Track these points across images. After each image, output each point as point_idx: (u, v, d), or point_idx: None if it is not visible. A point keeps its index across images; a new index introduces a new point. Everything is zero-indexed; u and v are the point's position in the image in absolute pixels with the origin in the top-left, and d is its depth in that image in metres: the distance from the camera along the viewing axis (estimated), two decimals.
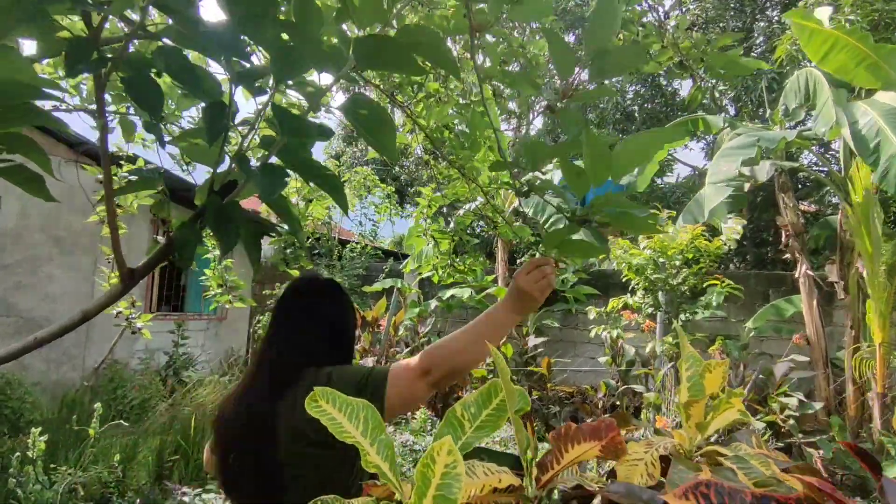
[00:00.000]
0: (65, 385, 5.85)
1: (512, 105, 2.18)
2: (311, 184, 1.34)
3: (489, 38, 1.75)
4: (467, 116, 1.97)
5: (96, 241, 4.90)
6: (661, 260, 4.58)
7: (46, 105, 1.44)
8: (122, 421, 3.58)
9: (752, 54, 10.12)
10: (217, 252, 3.13)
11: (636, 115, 12.16)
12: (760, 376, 5.41)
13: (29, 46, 1.11)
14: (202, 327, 8.12)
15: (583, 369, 6.96)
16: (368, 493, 0.84)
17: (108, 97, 1.31)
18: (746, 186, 6.68)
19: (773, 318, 7.39)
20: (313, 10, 1.05)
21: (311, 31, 1.07)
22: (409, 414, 5.67)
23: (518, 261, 10.38)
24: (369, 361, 6.58)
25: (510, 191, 8.12)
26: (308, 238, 9.53)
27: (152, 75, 1.00)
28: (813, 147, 6.44)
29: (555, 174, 8.65)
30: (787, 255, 7.35)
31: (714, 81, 10.02)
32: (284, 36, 1.03)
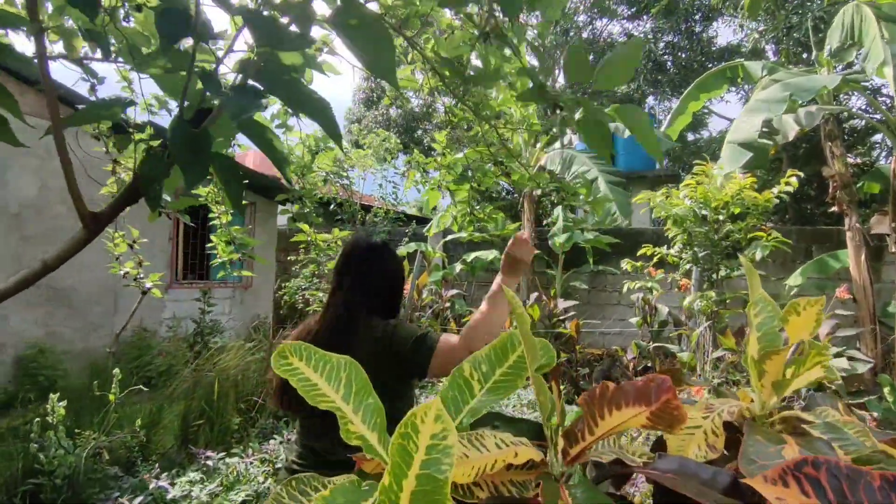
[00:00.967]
0: (94, 353, 5.93)
1: (531, 34, 1.94)
2: (303, 118, 1.16)
3: None
4: (483, 48, 1.74)
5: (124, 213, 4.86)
6: (703, 212, 4.28)
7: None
8: (141, 387, 3.56)
9: None
10: (226, 215, 3.00)
11: (668, 65, 11.53)
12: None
13: None
14: (227, 295, 8.17)
15: (612, 331, 6.77)
16: (360, 468, 0.68)
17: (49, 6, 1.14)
18: (791, 136, 6.25)
19: (816, 275, 7.01)
20: None
21: None
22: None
23: (544, 222, 10.10)
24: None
25: (534, 145, 7.74)
26: (331, 203, 9.42)
27: None
28: (865, 91, 5.93)
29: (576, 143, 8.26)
30: (835, 209, 6.92)
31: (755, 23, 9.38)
32: None
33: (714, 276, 4.48)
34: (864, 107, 10.01)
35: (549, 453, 0.66)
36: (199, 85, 1.07)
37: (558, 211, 8.71)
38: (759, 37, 8.86)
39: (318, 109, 1.02)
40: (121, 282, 3.29)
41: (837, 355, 4.77)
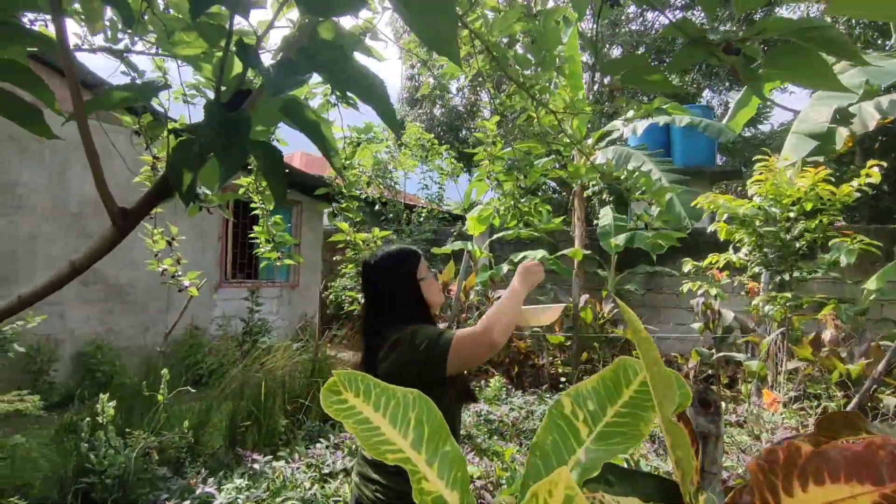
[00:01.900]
0: (149, 350, 6.07)
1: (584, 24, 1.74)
2: (351, 98, 1.02)
3: None
4: (539, 27, 1.56)
5: (171, 210, 4.92)
6: (773, 210, 3.92)
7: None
8: (189, 388, 3.54)
9: None
10: (270, 203, 2.90)
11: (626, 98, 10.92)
12: (887, 342, 4.67)
13: None
14: (275, 294, 8.24)
15: (671, 336, 6.41)
16: None
17: None
18: (871, 124, 5.73)
19: None
20: None
21: None
22: (482, 382, 5.43)
23: (594, 221, 9.74)
24: (441, 326, 6.38)
25: (587, 141, 7.40)
26: (375, 203, 9.39)
27: None
28: None
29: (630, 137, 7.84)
30: None
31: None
32: None
33: (787, 278, 4.11)
34: None
35: None
36: (238, 68, 0.94)
37: (606, 210, 8.36)
38: (834, 20, 8.23)
39: (372, 88, 0.87)
40: (167, 276, 3.28)
41: None
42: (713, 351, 5.41)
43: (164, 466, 3.13)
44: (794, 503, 0.41)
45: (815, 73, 0.86)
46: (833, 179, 3.87)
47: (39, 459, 3.02)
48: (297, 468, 3.23)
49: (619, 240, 7.59)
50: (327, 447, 3.59)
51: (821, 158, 5.46)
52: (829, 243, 4.14)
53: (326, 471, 3.29)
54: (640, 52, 14.69)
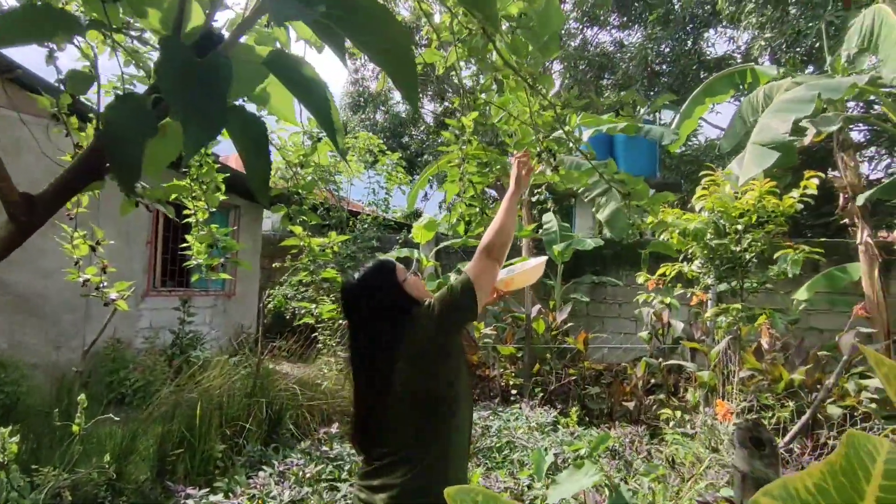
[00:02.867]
0: (64, 367, 5.43)
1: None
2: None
3: None
4: (540, 6, 1.40)
5: (94, 211, 4.41)
6: (722, 222, 3.98)
7: None
8: (111, 415, 3.11)
9: None
10: (203, 212, 2.58)
11: (665, 74, 11.39)
12: (826, 354, 4.87)
13: None
14: (209, 304, 7.69)
15: (623, 346, 6.46)
16: None
17: None
18: (806, 141, 6.03)
19: (825, 290, 6.79)
20: None
21: None
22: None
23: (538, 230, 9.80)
24: None
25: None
26: (318, 209, 9.00)
27: None
28: (887, 97, 5.73)
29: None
30: (845, 221, 6.71)
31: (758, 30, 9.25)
32: None
33: (738, 289, 4.18)
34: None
35: None
36: (200, 18, 0.70)
37: (550, 216, 8.40)
38: (765, 44, 8.70)
39: (311, 91, 0.65)
40: (90, 287, 2.86)
41: (864, 376, 4.51)
42: (661, 360, 5.46)
43: None
44: None
45: None
46: (778, 191, 3.97)
47: None
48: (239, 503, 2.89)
49: (561, 246, 7.62)
50: (271, 475, 3.25)
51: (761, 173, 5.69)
52: (775, 255, 4.24)
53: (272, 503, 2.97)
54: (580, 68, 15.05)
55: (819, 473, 0.36)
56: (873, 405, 4.00)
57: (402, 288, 1.60)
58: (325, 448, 3.63)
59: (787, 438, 3.36)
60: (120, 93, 1.59)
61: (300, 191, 2.59)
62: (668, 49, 12.69)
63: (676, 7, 12.63)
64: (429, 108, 19.78)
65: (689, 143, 14.27)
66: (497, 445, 4.02)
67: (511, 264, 1.98)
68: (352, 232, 10.07)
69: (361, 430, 1.60)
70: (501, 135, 2.45)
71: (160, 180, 1.17)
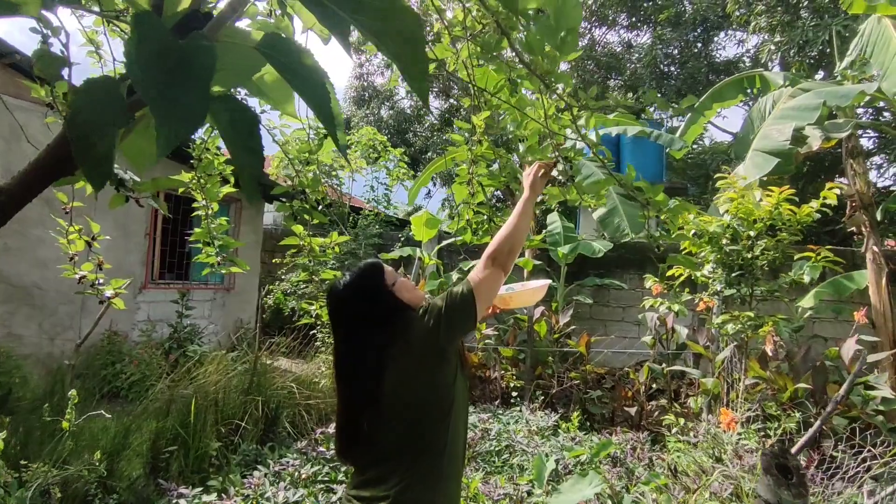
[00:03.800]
0: (58, 359, 5.37)
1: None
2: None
3: None
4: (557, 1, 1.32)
5: (91, 203, 4.34)
6: (740, 228, 3.90)
7: None
8: (103, 412, 3.05)
9: None
10: (212, 208, 2.51)
11: (673, 76, 11.29)
12: (829, 363, 4.79)
13: None
14: (208, 297, 7.63)
15: (627, 351, 6.38)
16: None
17: None
18: (815, 146, 5.94)
19: (831, 297, 6.70)
20: None
21: None
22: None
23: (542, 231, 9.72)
24: None
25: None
26: (319, 204, 8.91)
27: None
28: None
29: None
30: (852, 229, 6.62)
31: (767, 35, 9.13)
32: None
33: (748, 296, 4.10)
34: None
35: None
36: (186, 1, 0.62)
37: (554, 217, 8.31)
38: (775, 49, 8.58)
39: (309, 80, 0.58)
40: (86, 284, 2.80)
41: (869, 387, 4.43)
42: (663, 366, 5.39)
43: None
44: None
45: None
46: (797, 199, 3.89)
47: None
48: None
49: (566, 249, 7.54)
50: (266, 475, 3.19)
51: (765, 178, 5.61)
52: (795, 257, 4.15)
53: None
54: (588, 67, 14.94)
55: None
56: (879, 417, 3.93)
57: (391, 292, 1.51)
58: (321, 448, 3.56)
59: (793, 450, 3.28)
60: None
61: (305, 188, 2.51)
62: (676, 51, 12.59)
63: (687, 8, 12.52)
64: (434, 104, 19.69)
65: (695, 146, 14.17)
66: (496, 449, 3.95)
67: (512, 281, 1.90)
68: (353, 228, 10.01)
69: (347, 440, 1.52)
70: (512, 140, 2.36)
71: (143, 173, 1.08)
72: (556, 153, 2.00)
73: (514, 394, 5.40)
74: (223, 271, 2.75)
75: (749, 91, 7.33)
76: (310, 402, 4.22)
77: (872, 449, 2.98)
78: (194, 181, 2.31)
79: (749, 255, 3.93)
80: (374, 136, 11.43)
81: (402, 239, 9.75)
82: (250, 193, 0.59)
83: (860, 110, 9.16)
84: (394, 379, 1.42)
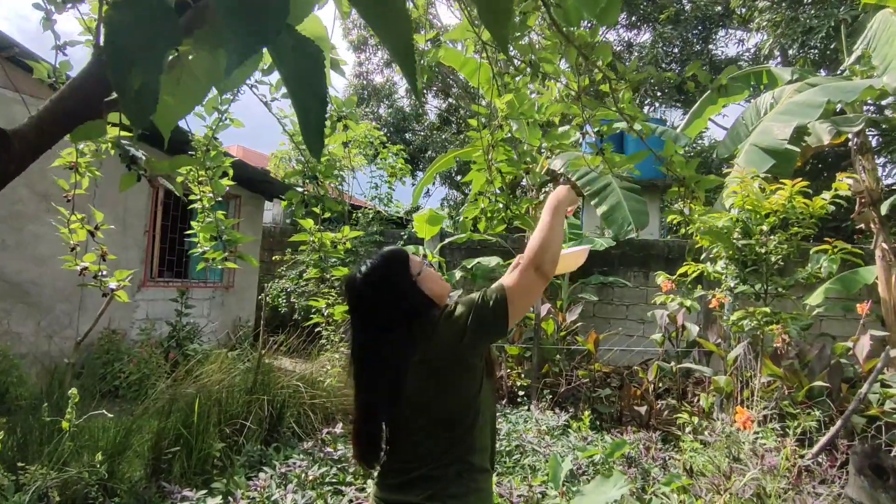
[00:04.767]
0: (56, 358, 5.25)
1: None
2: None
3: None
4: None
5: (90, 197, 4.22)
6: (750, 222, 3.82)
7: None
8: (104, 410, 2.94)
9: None
10: (209, 199, 2.40)
11: (675, 74, 11.21)
12: (843, 361, 4.71)
13: None
14: (207, 296, 7.51)
15: (634, 349, 6.30)
16: None
17: None
18: (826, 141, 5.87)
19: (839, 295, 6.64)
20: None
21: None
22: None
23: None
24: None
25: (538, 151, 7.36)
26: (318, 202, 8.79)
27: None
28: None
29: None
30: (860, 226, 6.57)
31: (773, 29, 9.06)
32: None
33: (762, 292, 4.02)
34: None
35: None
36: None
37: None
38: (775, 44, 8.51)
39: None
40: (88, 276, 2.69)
41: (885, 385, 4.36)
42: (673, 364, 5.31)
43: None
44: None
45: None
46: (810, 192, 3.81)
47: None
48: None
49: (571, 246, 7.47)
50: (272, 477, 3.08)
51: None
52: (812, 251, 4.07)
53: None
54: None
55: None
56: None
57: (415, 284, 1.38)
58: (328, 449, 3.46)
59: (815, 450, 3.20)
60: None
61: (317, 175, 2.40)
62: (677, 49, 12.52)
63: (687, 7, 12.46)
64: (433, 104, 19.58)
65: (696, 143, 14.12)
66: (507, 449, 3.86)
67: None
68: (354, 226, 9.91)
69: (366, 445, 1.41)
70: (530, 126, 2.27)
71: (168, 134, 0.95)
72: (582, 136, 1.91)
73: (521, 393, 5.31)
74: (220, 266, 2.64)
75: (756, 87, 7.27)
76: (315, 401, 4.12)
77: None
78: (194, 173, 2.20)
79: (762, 251, 3.84)
80: (370, 133, 11.31)
81: (405, 237, 9.66)
82: (314, 144, 0.50)
83: (867, 108, 9.12)
84: (417, 383, 1.32)
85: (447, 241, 8.59)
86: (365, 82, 18.31)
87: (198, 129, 2.76)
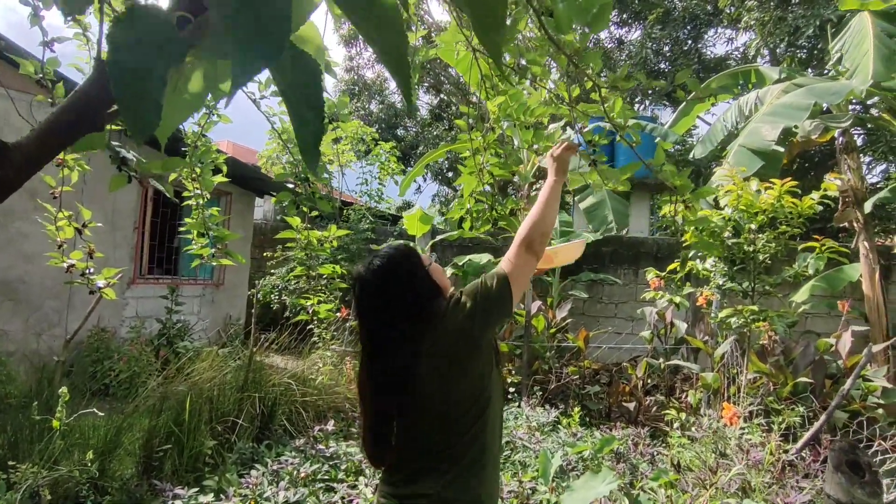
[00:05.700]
0: (45, 356, 5.21)
1: None
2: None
3: None
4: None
5: (78, 193, 4.19)
6: (741, 221, 3.88)
7: None
8: (94, 409, 2.94)
9: None
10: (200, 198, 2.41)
11: (662, 73, 11.31)
12: (826, 357, 4.80)
13: None
14: (198, 293, 7.47)
15: (623, 346, 6.36)
16: None
17: None
18: (814, 137, 5.95)
19: (824, 293, 6.74)
20: None
21: None
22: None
23: None
24: None
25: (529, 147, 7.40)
26: (310, 201, 8.77)
27: None
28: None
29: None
30: (844, 224, 6.67)
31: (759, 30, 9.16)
32: None
33: (750, 290, 4.09)
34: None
35: None
36: None
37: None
38: (762, 40, 8.60)
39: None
40: (75, 273, 2.68)
41: (867, 380, 4.45)
42: (661, 360, 5.37)
43: None
44: None
45: None
46: (799, 192, 3.87)
47: None
48: None
49: (557, 242, 7.51)
50: (264, 474, 3.10)
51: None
52: (800, 248, 4.13)
53: None
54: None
55: None
56: (879, 410, 3.94)
57: (428, 275, 1.44)
58: (320, 446, 3.48)
59: (798, 445, 3.27)
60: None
61: (308, 175, 2.41)
62: (667, 48, 12.60)
63: (677, 5, 12.53)
64: (424, 99, 19.55)
65: (685, 142, 14.23)
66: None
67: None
68: (345, 223, 9.89)
69: (378, 442, 1.44)
70: (519, 127, 2.29)
71: (165, 140, 0.97)
72: (578, 134, 1.94)
73: (512, 390, 5.35)
74: (214, 263, 2.65)
75: (743, 85, 7.35)
76: (306, 398, 4.13)
77: (883, 443, 2.97)
78: (187, 170, 2.21)
79: (751, 249, 3.91)
80: (361, 130, 11.29)
81: (395, 234, 9.66)
82: (311, 157, 0.52)
83: (852, 107, 9.25)
84: (427, 373, 1.35)
85: (438, 238, 8.61)
86: (356, 77, 18.24)
87: (188, 125, 2.77)
